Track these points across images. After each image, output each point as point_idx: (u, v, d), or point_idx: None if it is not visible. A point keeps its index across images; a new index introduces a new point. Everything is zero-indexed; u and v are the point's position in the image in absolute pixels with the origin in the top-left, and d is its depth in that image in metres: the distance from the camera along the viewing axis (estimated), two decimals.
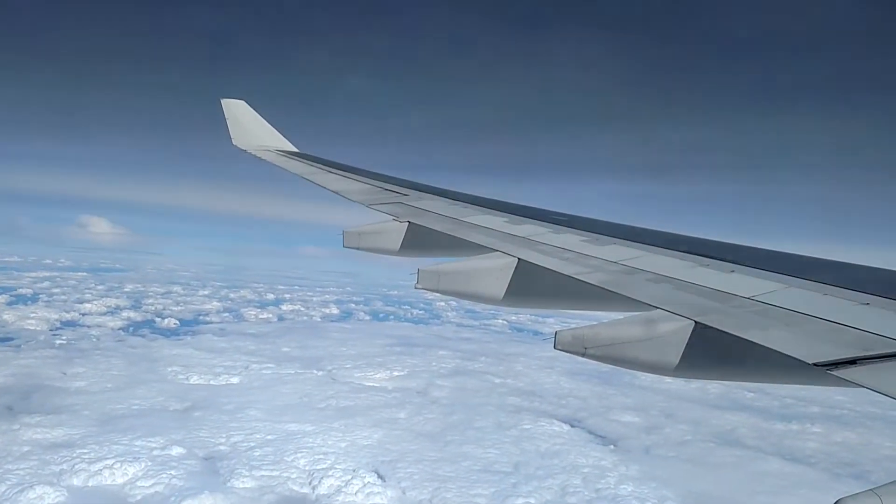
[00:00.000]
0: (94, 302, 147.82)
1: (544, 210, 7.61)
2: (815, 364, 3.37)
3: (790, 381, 4.48)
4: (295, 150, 12.28)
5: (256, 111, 12.41)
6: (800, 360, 3.44)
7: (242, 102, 12.44)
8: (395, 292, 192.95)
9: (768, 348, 3.65)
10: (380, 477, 67.71)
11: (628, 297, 4.70)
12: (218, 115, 12.27)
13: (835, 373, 3.30)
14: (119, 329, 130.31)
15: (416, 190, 8.83)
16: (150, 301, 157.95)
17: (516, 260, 5.66)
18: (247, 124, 12.28)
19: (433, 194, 8.61)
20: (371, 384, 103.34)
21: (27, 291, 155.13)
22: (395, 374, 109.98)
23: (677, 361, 4.12)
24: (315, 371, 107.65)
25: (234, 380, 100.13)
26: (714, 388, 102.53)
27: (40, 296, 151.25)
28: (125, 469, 63.87)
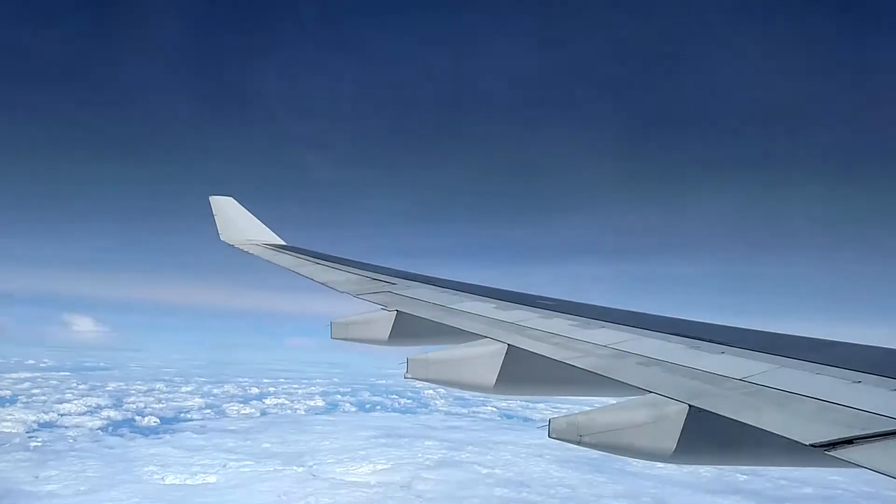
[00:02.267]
0: (75, 402, 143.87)
1: (532, 295, 7.65)
2: (812, 445, 3.34)
3: (788, 464, 4.43)
4: (282, 242, 12.44)
5: (244, 205, 12.68)
6: (797, 442, 3.42)
7: (231, 199, 12.73)
8: (384, 381, 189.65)
9: (764, 430, 3.62)
10: None
11: (620, 382, 4.68)
12: (204, 210, 12.49)
13: (832, 453, 3.25)
14: (98, 429, 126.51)
15: (403, 278, 8.88)
16: (132, 399, 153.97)
17: (506, 346, 5.65)
18: (235, 219, 12.51)
19: (420, 282, 8.64)
20: (352, 479, 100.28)
21: (6, 393, 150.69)
22: (379, 467, 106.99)
23: (675, 447, 4.06)
24: (295, 467, 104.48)
25: (211, 479, 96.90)
26: (706, 471, 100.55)
27: (19, 397, 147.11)
28: None
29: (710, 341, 5.26)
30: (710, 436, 4.11)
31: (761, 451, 4.19)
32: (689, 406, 4.06)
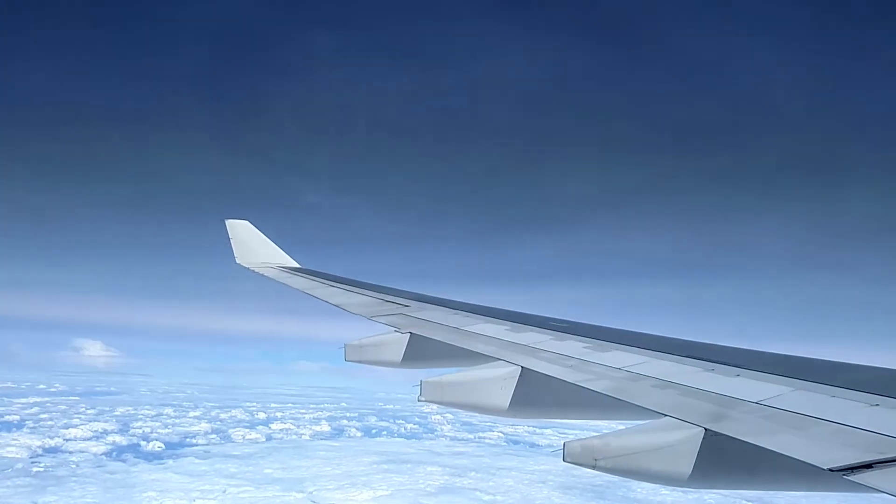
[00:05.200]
0: (81, 427, 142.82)
1: (545, 317, 7.65)
2: (830, 469, 3.30)
3: (806, 488, 4.38)
4: (297, 265, 12.53)
5: (261, 230, 12.83)
6: (814, 466, 3.40)
7: (246, 222, 12.91)
8: (391, 406, 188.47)
9: (781, 454, 3.61)
10: None
11: (635, 405, 4.66)
12: (216, 234, 12.65)
13: (851, 478, 3.21)
14: (102, 454, 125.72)
15: (417, 301, 8.88)
16: (139, 424, 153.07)
17: (519, 368, 5.64)
18: (250, 243, 12.66)
19: (434, 304, 8.66)
20: None
21: (14, 418, 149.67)
22: (379, 493, 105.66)
23: (690, 471, 4.03)
24: (295, 493, 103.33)
25: None
26: (710, 497, 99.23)
27: (26, 422, 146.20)
28: None
29: (726, 364, 5.22)
30: (726, 459, 4.08)
31: (778, 476, 4.16)
32: (705, 430, 4.03)
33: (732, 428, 4.01)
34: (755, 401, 4.37)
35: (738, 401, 4.43)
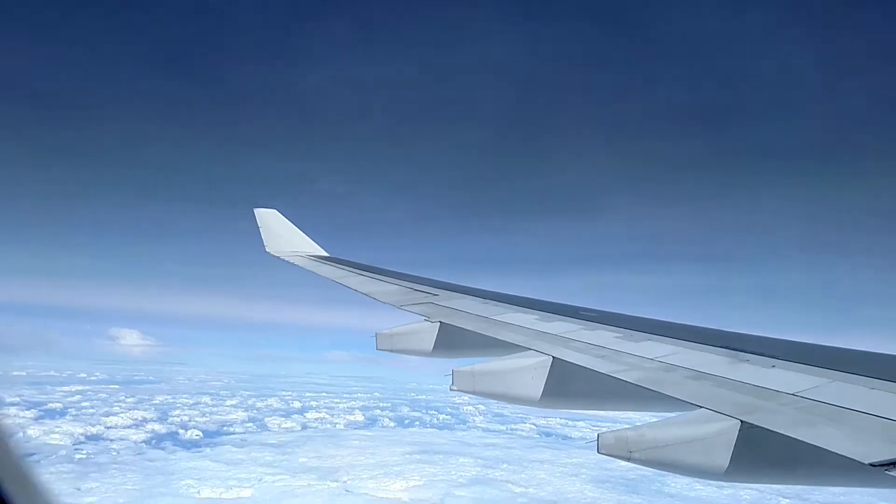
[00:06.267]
0: (122, 415, 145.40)
1: (574, 306, 7.60)
2: (871, 464, 3.23)
3: (845, 483, 4.30)
4: (326, 254, 12.60)
5: (289, 219, 12.92)
6: (855, 461, 3.31)
7: (274, 211, 13.00)
8: (423, 397, 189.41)
9: (820, 448, 3.52)
10: None
11: (669, 396, 4.60)
12: (248, 224, 12.75)
13: (893, 473, 3.14)
14: (142, 442, 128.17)
15: (446, 290, 8.85)
16: (177, 413, 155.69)
17: (550, 358, 5.60)
18: (279, 231, 12.75)
19: (463, 293, 8.63)
20: (385, 495, 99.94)
21: (57, 406, 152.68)
22: (412, 484, 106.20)
23: (726, 464, 3.97)
24: (329, 482, 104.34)
25: (246, 493, 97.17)
26: (746, 493, 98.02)
27: (69, 410, 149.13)
28: None
29: (761, 355, 5.13)
30: (763, 453, 4.00)
31: (817, 470, 4.06)
32: (741, 422, 3.97)
33: (769, 420, 3.94)
34: (792, 392, 4.28)
35: (774, 392, 4.35)
